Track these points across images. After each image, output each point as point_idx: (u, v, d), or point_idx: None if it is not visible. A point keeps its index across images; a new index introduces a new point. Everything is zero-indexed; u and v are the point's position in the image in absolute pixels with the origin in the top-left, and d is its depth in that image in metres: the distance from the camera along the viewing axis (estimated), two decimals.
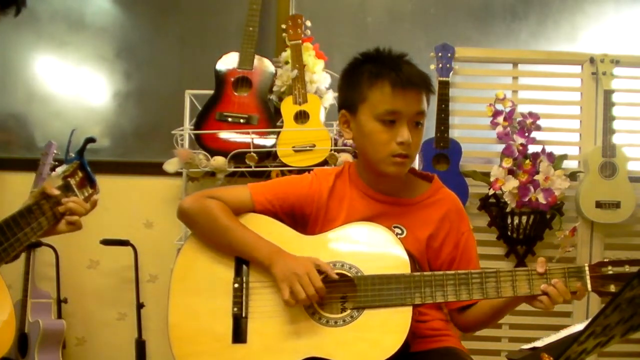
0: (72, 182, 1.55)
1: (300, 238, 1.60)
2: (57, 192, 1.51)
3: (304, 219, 1.66)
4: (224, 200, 1.63)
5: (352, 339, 1.48)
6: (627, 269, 1.46)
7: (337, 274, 1.52)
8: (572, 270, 1.47)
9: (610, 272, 1.46)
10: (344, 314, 1.50)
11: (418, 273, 1.51)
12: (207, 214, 1.60)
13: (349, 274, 1.52)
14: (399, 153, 1.55)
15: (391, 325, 1.47)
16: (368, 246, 1.55)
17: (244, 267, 1.58)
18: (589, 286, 1.46)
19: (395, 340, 1.45)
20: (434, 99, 2.73)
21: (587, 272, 1.47)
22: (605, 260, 1.48)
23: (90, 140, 1.61)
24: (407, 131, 1.54)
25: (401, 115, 1.54)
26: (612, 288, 1.45)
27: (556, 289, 1.45)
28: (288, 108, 2.66)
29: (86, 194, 1.58)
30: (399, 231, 1.62)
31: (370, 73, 1.57)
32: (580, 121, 2.82)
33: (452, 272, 1.52)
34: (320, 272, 1.49)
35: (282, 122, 2.67)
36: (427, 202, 1.66)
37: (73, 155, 1.60)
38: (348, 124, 1.65)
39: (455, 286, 1.49)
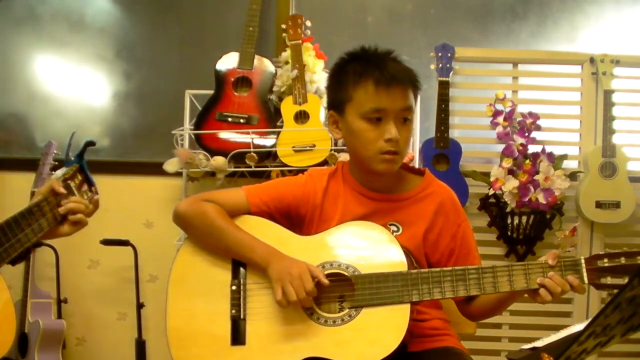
0: (72, 184, 1.56)
1: (296, 239, 1.60)
2: (63, 190, 1.52)
3: (299, 219, 1.67)
4: (219, 203, 1.63)
5: (350, 338, 1.48)
6: (623, 261, 1.46)
7: (335, 273, 1.53)
8: (568, 264, 1.48)
9: (607, 265, 1.47)
10: (342, 313, 1.51)
11: (415, 270, 1.51)
12: (203, 217, 1.60)
13: (346, 273, 1.52)
14: (388, 150, 1.55)
15: (389, 323, 1.47)
16: (364, 245, 1.55)
17: (241, 269, 1.58)
18: (585, 279, 1.47)
19: (394, 338, 1.45)
20: (434, 99, 2.73)
21: (584, 265, 1.47)
22: (601, 252, 1.49)
23: (90, 143, 1.62)
24: (395, 128, 1.54)
25: (387, 112, 1.55)
26: (609, 280, 1.46)
27: (552, 281, 1.45)
28: (288, 108, 2.66)
29: (85, 197, 1.59)
30: (395, 228, 1.62)
31: (355, 72, 1.57)
32: (580, 121, 2.82)
33: (449, 268, 1.52)
34: (312, 276, 1.49)
35: (282, 122, 2.67)
36: (420, 196, 1.66)
37: (73, 158, 1.61)
38: (337, 124, 1.65)
39: (453, 282, 1.50)
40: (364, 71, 1.55)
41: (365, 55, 1.60)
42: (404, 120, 1.58)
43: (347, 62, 1.62)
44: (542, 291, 1.46)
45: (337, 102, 1.62)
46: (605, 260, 1.47)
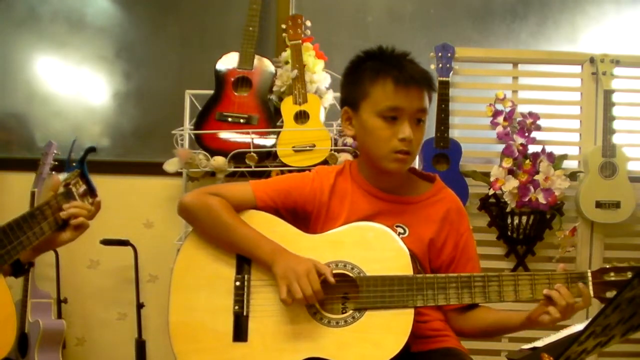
0: (74, 189, 1.57)
1: (302, 237, 1.60)
2: (63, 189, 1.55)
3: (305, 216, 1.66)
4: (225, 196, 1.62)
5: (353, 340, 1.48)
6: (629, 275, 1.46)
7: (340, 274, 1.53)
8: (575, 276, 1.47)
9: (613, 279, 1.46)
10: (346, 314, 1.50)
11: (420, 275, 1.51)
12: (209, 211, 1.60)
13: (351, 274, 1.52)
14: (401, 149, 1.55)
15: (393, 327, 1.47)
16: (371, 246, 1.55)
17: (245, 265, 1.58)
18: (591, 292, 1.46)
19: (397, 342, 1.45)
20: (434, 99, 2.72)
21: (590, 278, 1.47)
22: (607, 266, 1.48)
23: (91, 150, 1.64)
24: (409, 128, 1.55)
25: (403, 111, 1.55)
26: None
27: (559, 293, 1.44)
28: (288, 108, 2.66)
29: (86, 202, 1.60)
30: (401, 230, 1.62)
31: (373, 70, 1.57)
32: (580, 121, 2.82)
33: (455, 274, 1.52)
34: (319, 274, 1.50)
35: (282, 122, 2.67)
36: (429, 201, 1.66)
37: (74, 164, 1.62)
38: (350, 121, 1.65)
39: (458, 289, 1.49)
40: (383, 69, 1.56)
41: (383, 55, 1.61)
42: (418, 121, 1.58)
43: (365, 60, 1.62)
44: (551, 309, 1.43)
45: (352, 99, 1.62)
46: (612, 274, 1.46)
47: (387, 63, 1.57)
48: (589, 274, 1.47)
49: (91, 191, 1.62)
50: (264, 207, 1.63)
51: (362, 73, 1.59)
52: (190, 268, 1.61)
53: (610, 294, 1.46)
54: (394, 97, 1.54)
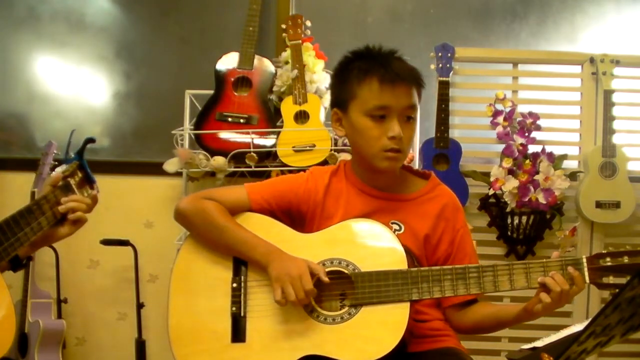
0: (72, 182, 1.56)
1: (298, 236, 1.60)
2: (61, 182, 1.53)
3: (300, 217, 1.67)
4: (220, 200, 1.64)
5: (350, 336, 1.48)
6: (626, 260, 1.45)
7: (335, 271, 1.53)
8: (570, 263, 1.47)
9: (609, 264, 1.45)
10: (342, 311, 1.51)
11: (415, 269, 1.52)
12: (204, 216, 1.61)
13: (346, 271, 1.53)
14: (391, 147, 1.56)
15: (389, 321, 1.47)
16: (365, 243, 1.55)
17: (242, 266, 1.59)
18: (586, 278, 1.46)
19: (393, 337, 1.45)
20: (434, 99, 2.73)
21: (585, 264, 1.46)
22: (603, 251, 1.47)
23: (90, 140, 1.62)
24: (398, 125, 1.55)
25: (391, 110, 1.55)
26: (611, 279, 1.45)
27: (554, 279, 1.44)
28: (288, 108, 2.66)
29: (85, 194, 1.59)
30: (397, 227, 1.62)
31: (360, 70, 1.58)
32: (580, 121, 2.82)
33: (449, 266, 1.52)
34: (312, 274, 1.50)
35: (282, 122, 2.67)
36: (424, 198, 1.67)
37: (73, 155, 1.61)
38: (340, 122, 1.66)
39: (453, 281, 1.50)
40: (369, 69, 1.56)
41: (369, 54, 1.61)
42: (407, 118, 1.58)
43: (352, 61, 1.63)
44: (543, 295, 1.44)
45: (341, 100, 1.63)
46: (608, 259, 1.46)
47: (374, 62, 1.57)
48: (584, 260, 1.47)
49: (90, 182, 1.60)
50: (258, 209, 1.64)
51: (350, 73, 1.60)
52: (188, 272, 1.62)
53: (606, 280, 1.45)
54: (381, 95, 1.54)
